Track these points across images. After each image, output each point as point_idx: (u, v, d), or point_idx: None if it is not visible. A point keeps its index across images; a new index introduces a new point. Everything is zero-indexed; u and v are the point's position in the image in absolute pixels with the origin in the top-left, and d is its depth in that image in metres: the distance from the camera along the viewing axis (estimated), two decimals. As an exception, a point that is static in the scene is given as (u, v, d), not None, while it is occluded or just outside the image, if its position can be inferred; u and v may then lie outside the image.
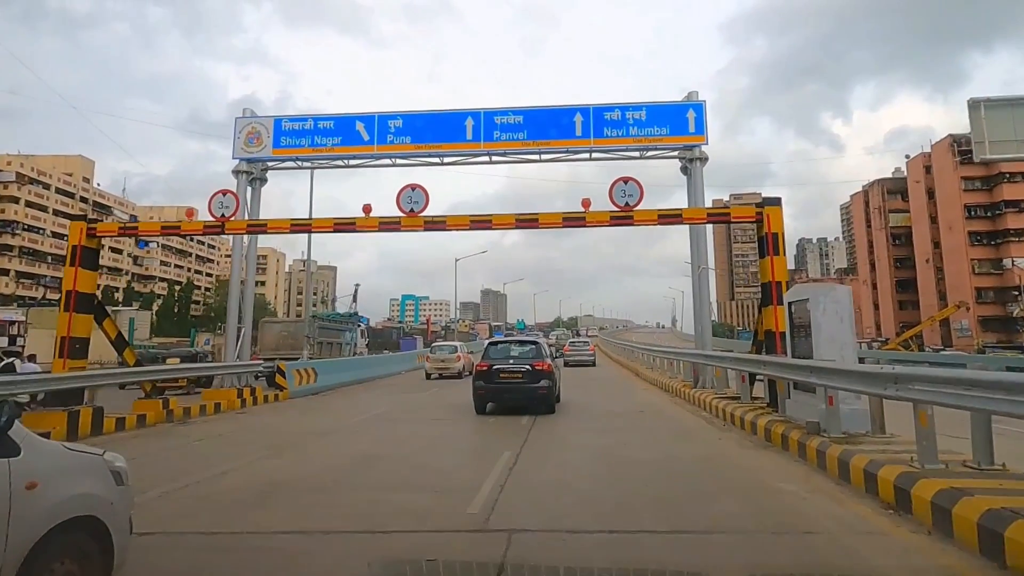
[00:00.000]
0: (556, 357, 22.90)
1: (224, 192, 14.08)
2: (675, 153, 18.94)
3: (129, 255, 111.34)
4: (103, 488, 4.00)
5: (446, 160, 19.43)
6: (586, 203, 12.78)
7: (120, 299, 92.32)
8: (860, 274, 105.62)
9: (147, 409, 15.03)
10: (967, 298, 69.45)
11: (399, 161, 19.22)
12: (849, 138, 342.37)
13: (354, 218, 13.73)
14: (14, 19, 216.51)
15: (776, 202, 12.37)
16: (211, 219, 14.00)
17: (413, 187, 13.25)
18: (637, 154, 18.52)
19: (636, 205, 12.84)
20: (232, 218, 13.99)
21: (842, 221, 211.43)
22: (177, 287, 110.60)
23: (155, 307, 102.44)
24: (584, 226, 12.85)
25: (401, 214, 13.17)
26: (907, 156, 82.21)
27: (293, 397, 21.69)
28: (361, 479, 8.29)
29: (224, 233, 14.48)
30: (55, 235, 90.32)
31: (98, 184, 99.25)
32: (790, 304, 10.47)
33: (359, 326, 52.60)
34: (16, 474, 3.39)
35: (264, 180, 20.34)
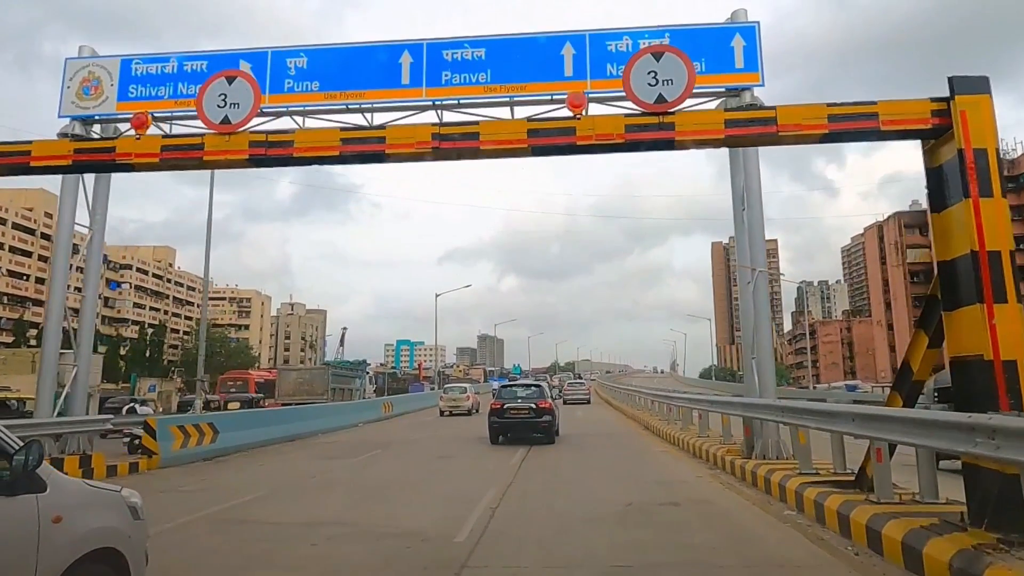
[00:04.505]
0: (557, 397, 28.79)
1: None
2: (715, 102, 12.72)
3: (99, 296, 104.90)
4: (121, 521, 4.16)
5: (375, 119, 13.18)
6: (576, 103, 6.58)
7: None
8: (874, 315, 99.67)
9: None
10: (1001, 338, 63.23)
11: (306, 121, 12.92)
12: (843, 183, 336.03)
13: (111, 142, 7.53)
14: (9, 64, 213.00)
15: (980, 87, 6.11)
16: None
17: (230, 76, 7.16)
18: (656, 102, 12.28)
19: (679, 102, 6.64)
20: None
21: (843, 263, 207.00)
22: (150, 330, 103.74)
23: (123, 351, 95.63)
24: (573, 146, 6.59)
25: (208, 129, 7.02)
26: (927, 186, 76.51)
27: (169, 465, 15.23)
28: None
29: None
30: (11, 273, 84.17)
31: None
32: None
33: (367, 373, 56.91)
34: (43, 508, 3.59)
35: (117, 153, 14.03)
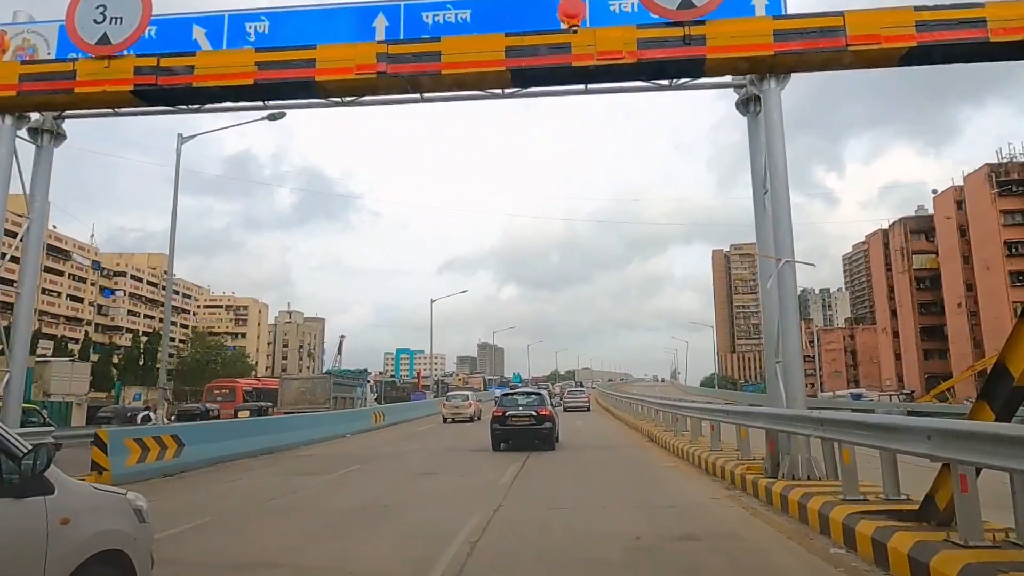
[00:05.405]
0: (558, 405, 29.33)
1: None
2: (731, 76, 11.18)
3: (92, 304, 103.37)
4: (127, 524, 4.22)
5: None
6: (572, 11, 5.04)
7: (77, 350, 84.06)
8: (879, 322, 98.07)
9: None
10: (1011, 345, 61.56)
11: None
12: (843, 192, 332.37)
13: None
14: None
15: None
16: None
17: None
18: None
19: (710, 7, 5.02)
20: None
21: (844, 271, 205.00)
22: (145, 338, 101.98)
23: (116, 359, 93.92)
24: (568, 69, 5.03)
25: (85, 52, 5.48)
26: (934, 191, 75.21)
27: (122, 482, 13.53)
28: None
29: None
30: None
31: (54, 226, 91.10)
32: None
33: (368, 382, 57.17)
34: (51, 511, 3.64)
35: (59, 135, 12.43)
